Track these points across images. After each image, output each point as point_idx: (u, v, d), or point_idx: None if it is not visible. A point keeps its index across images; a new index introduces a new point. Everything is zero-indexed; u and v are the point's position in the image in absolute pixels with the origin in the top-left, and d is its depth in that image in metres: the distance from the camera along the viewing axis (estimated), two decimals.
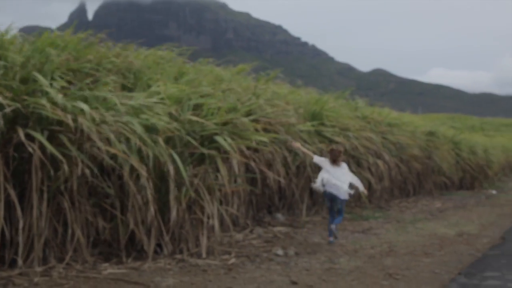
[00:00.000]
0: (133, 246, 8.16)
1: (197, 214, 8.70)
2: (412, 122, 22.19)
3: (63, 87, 7.78)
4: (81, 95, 7.73)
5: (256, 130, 10.60)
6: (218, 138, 9.19)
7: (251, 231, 10.90)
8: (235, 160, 10.10)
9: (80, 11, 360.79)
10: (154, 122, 8.20)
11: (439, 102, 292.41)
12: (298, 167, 13.16)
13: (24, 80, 7.63)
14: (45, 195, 7.23)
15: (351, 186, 10.40)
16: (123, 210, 8.05)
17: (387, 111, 20.73)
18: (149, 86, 9.88)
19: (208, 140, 9.31)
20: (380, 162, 16.44)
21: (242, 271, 7.78)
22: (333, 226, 10.24)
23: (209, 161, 9.10)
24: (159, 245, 8.32)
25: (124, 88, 9.77)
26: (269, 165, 11.67)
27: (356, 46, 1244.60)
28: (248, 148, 10.62)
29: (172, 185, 8.27)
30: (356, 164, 15.28)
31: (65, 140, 7.21)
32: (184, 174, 8.18)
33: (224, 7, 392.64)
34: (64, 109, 7.16)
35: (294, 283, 7.21)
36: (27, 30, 9.99)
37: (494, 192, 23.94)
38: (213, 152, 9.09)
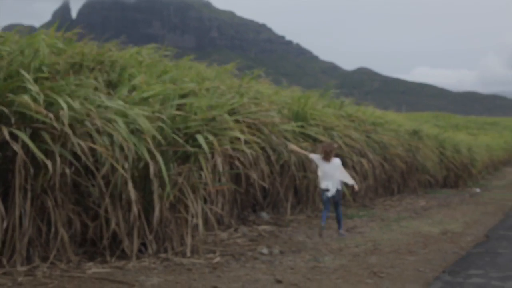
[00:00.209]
0: (118, 245, 8.12)
1: (182, 213, 8.68)
2: (395, 121, 22.29)
3: (46, 84, 7.72)
4: (65, 92, 7.67)
5: (241, 131, 10.62)
6: (199, 137, 9.16)
7: (235, 230, 10.90)
8: (220, 158, 10.09)
9: (64, 9, 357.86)
10: (137, 119, 8.14)
11: (423, 101, 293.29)
12: (282, 166, 13.19)
13: (7, 79, 7.57)
14: (29, 194, 7.18)
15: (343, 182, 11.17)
16: (108, 209, 8.01)
17: (371, 110, 20.81)
18: (132, 85, 9.84)
19: (192, 138, 9.28)
20: (364, 161, 16.53)
21: (226, 270, 7.76)
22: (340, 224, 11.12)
23: (193, 159, 9.08)
24: (143, 244, 8.29)
25: (108, 86, 9.73)
26: (254, 164, 11.67)
27: (341, 45, 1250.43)
28: (234, 149, 10.62)
29: (155, 184, 8.24)
30: None
31: (47, 137, 7.17)
32: (164, 173, 8.13)
33: (208, 5, 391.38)
34: (46, 107, 7.11)
35: (279, 281, 7.20)
36: (10, 29, 9.91)
37: (478, 190, 24.09)
38: (197, 149, 9.06)
